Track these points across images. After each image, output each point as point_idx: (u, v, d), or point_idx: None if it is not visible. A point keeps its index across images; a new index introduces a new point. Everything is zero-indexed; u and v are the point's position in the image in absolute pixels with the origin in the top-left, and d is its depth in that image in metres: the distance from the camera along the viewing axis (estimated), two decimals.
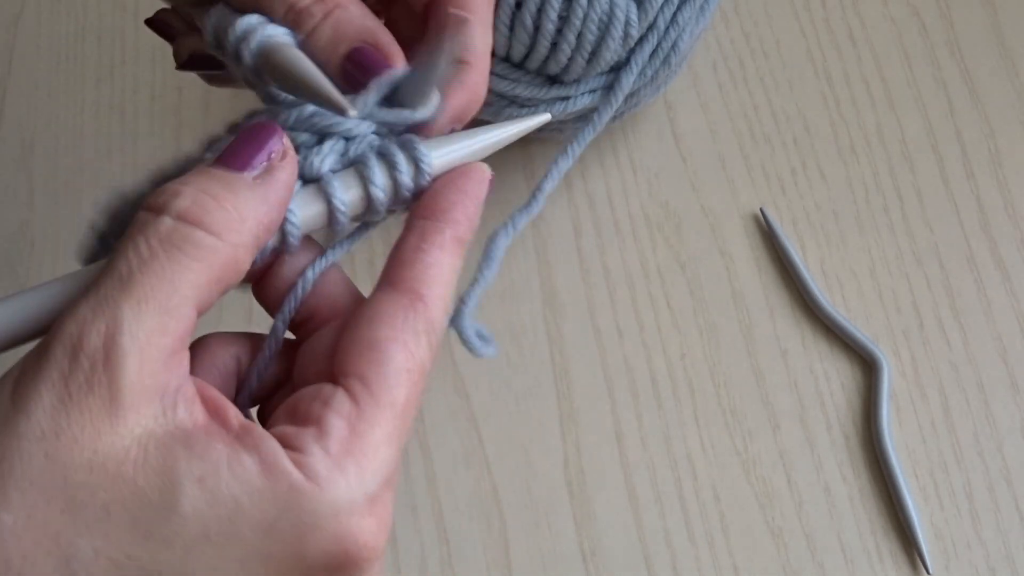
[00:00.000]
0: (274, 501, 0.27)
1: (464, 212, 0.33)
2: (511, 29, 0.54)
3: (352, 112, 0.33)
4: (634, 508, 0.55)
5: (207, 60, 0.40)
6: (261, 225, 0.30)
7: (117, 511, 0.26)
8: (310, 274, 0.33)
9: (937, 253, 0.61)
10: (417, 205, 0.33)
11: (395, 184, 0.33)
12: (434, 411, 0.57)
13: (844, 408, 0.57)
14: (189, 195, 0.29)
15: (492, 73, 0.56)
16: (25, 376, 0.27)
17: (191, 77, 0.43)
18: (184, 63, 0.41)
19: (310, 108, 0.33)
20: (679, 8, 0.55)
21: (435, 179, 0.34)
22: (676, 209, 0.62)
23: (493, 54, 0.56)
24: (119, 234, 0.31)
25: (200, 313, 0.29)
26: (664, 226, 0.61)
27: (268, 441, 0.28)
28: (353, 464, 0.28)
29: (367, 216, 0.34)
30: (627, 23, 0.54)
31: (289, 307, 0.33)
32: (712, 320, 0.59)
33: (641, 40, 0.55)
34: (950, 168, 0.63)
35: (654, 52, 0.56)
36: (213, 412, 0.29)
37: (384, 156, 0.33)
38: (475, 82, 0.35)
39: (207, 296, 0.29)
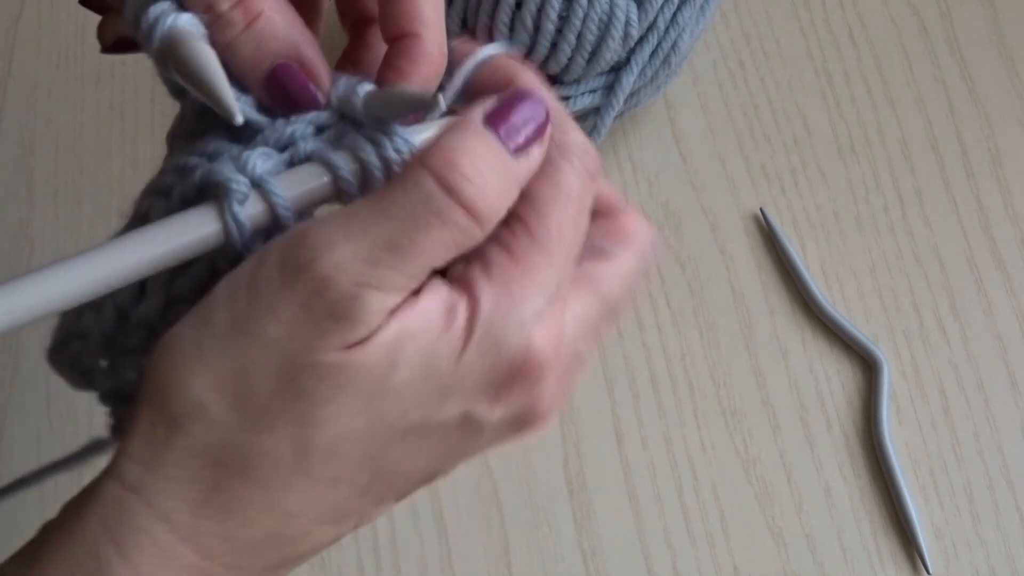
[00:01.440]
0: (454, 339, 0.30)
1: (524, 68, 0.34)
2: (511, 29, 0.54)
3: (239, 119, 0.32)
4: (634, 508, 0.55)
5: (132, 44, 0.38)
6: (504, 210, 0.31)
7: (360, 381, 0.30)
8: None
9: (937, 253, 0.61)
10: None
11: (396, 146, 0.33)
12: None
13: (844, 408, 0.57)
14: (477, 185, 0.30)
15: None
16: (257, 288, 0.29)
17: None
18: (109, 47, 0.40)
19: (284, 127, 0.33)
20: (679, 8, 0.55)
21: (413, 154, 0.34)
22: (676, 209, 0.62)
23: None
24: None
25: None
26: (664, 226, 0.61)
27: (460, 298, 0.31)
28: (517, 285, 0.31)
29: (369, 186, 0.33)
30: (627, 23, 0.54)
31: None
32: (712, 320, 0.59)
33: (641, 40, 0.55)
34: (950, 168, 0.63)
35: (654, 52, 0.56)
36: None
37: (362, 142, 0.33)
38: (430, 53, 0.35)
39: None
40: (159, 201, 0.34)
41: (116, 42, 0.40)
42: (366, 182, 0.33)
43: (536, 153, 0.32)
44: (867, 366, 0.58)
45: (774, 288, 0.60)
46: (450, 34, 0.37)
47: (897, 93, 0.65)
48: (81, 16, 0.67)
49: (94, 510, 0.29)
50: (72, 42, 0.67)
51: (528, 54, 0.55)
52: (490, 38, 0.55)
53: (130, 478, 0.29)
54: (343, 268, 0.29)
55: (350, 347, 0.29)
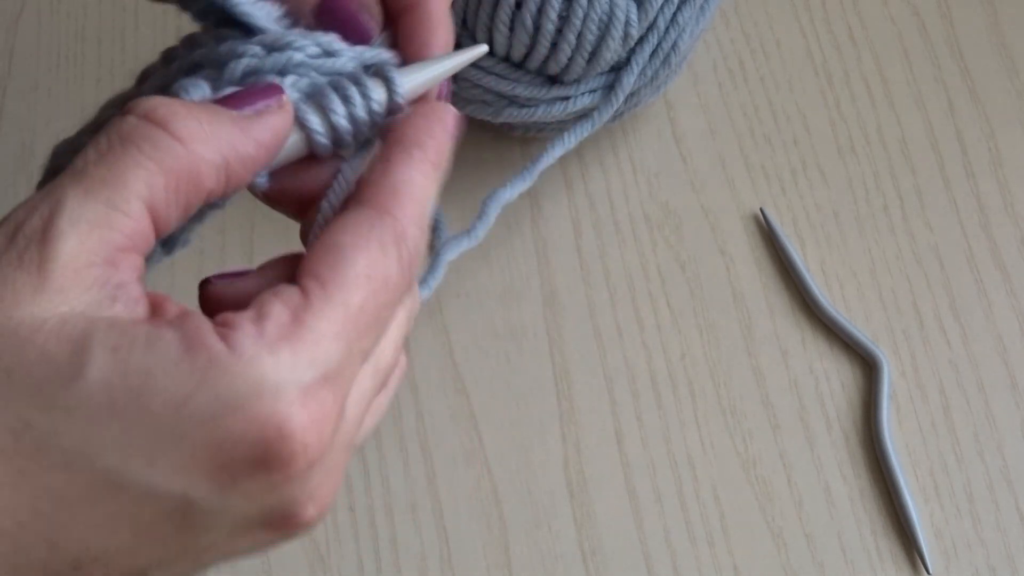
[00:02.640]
0: (191, 374, 0.25)
1: (431, 137, 0.31)
2: (511, 29, 0.54)
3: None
4: (634, 508, 0.55)
5: None
6: (233, 150, 0.29)
7: (19, 375, 0.25)
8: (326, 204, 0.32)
9: (937, 253, 0.61)
10: (385, 137, 0.32)
11: (368, 107, 0.32)
12: (434, 411, 0.57)
13: (844, 408, 0.57)
14: (162, 102, 0.29)
15: (492, 73, 0.56)
16: None
17: None
18: None
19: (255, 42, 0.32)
20: (679, 8, 0.55)
21: (407, 104, 0.33)
22: (676, 209, 0.62)
23: (493, 54, 0.56)
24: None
25: (158, 222, 0.28)
26: (664, 226, 0.61)
27: (195, 318, 0.26)
28: (287, 348, 0.26)
29: (341, 145, 0.32)
30: (627, 23, 0.54)
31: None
32: (712, 320, 0.59)
33: (641, 40, 0.55)
34: (950, 168, 0.63)
35: (654, 52, 0.56)
36: (154, 307, 0.27)
37: (356, 82, 0.32)
38: (441, 18, 0.34)
39: (163, 201, 0.27)
40: (162, 66, 0.34)
41: None
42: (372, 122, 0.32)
43: (251, 99, 0.30)
44: (867, 366, 0.58)
45: (774, 288, 0.60)
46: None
47: (897, 93, 0.65)
48: (81, 16, 0.67)
49: None
50: (72, 42, 0.67)
51: (528, 54, 0.55)
52: (490, 38, 0.55)
53: None
54: (34, 208, 0.27)
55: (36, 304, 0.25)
